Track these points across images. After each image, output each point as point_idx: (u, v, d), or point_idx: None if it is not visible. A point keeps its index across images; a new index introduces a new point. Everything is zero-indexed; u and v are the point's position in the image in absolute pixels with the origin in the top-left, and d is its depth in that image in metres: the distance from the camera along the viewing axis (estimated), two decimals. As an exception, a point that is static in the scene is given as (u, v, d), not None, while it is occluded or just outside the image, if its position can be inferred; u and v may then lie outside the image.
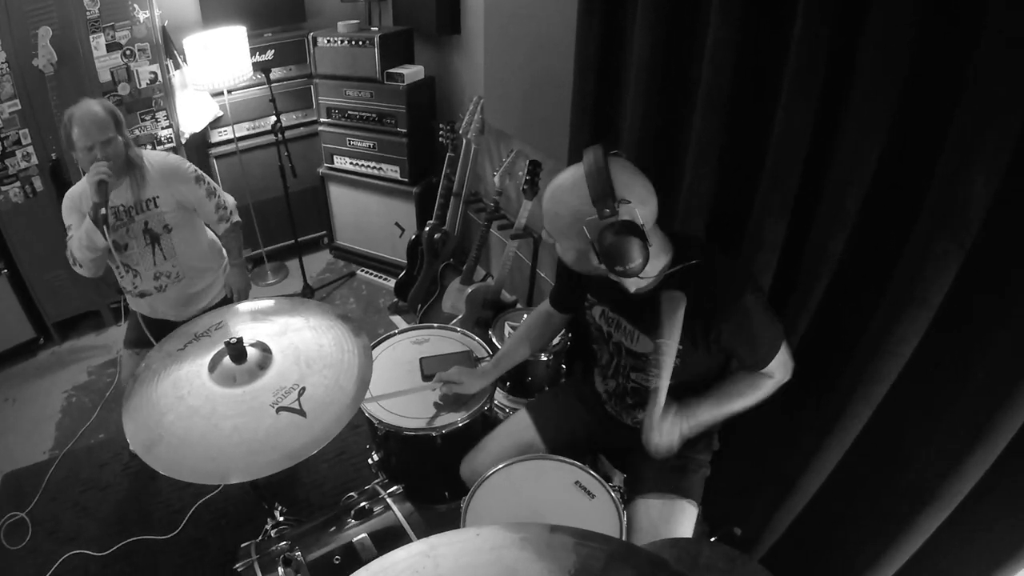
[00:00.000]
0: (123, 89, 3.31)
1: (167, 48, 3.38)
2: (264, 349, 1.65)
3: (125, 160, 2.23)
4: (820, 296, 1.64)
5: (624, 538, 1.61)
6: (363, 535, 1.68)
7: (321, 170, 4.00)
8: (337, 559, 1.60)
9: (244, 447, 1.42)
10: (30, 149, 3.22)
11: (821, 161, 1.53)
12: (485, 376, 2.02)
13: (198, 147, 3.80)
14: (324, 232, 4.34)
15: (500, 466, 1.78)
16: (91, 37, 3.13)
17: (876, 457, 1.62)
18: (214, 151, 3.84)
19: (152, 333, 2.37)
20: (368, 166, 3.83)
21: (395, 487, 1.89)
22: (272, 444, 1.43)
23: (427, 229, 3.44)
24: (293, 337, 1.71)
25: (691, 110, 1.86)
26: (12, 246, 3.35)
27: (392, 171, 3.77)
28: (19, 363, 3.55)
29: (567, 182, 1.42)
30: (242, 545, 1.74)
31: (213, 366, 1.62)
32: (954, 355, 1.39)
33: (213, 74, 3.33)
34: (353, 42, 3.51)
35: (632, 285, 1.53)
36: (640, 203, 1.38)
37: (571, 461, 1.79)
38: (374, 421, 1.97)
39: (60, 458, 2.88)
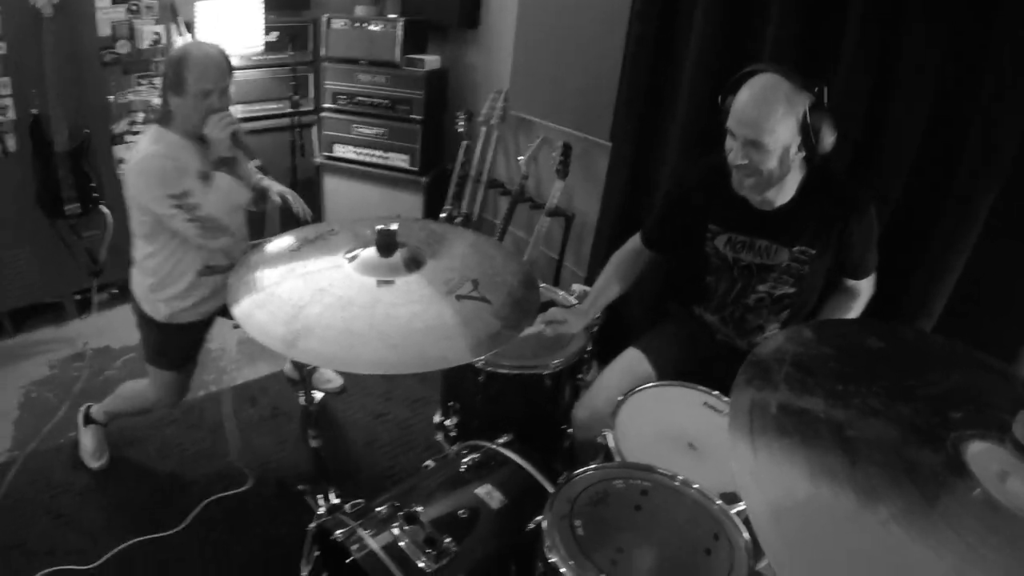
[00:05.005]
0: (122, 47, 3.04)
1: (173, 11, 3.16)
2: (412, 246, 1.50)
3: None
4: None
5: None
6: (487, 486, 1.55)
7: (318, 159, 3.81)
8: (463, 513, 1.46)
9: (436, 332, 1.26)
10: (9, 101, 2.84)
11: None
12: (586, 315, 1.94)
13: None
14: (316, 228, 4.09)
15: (628, 395, 1.72)
16: (97, -17, 2.88)
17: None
18: (205, 132, 3.55)
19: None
20: (374, 155, 3.68)
21: (504, 437, 1.76)
22: (468, 330, 1.27)
23: (443, 215, 3.35)
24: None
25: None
26: (-31, 214, 2.89)
27: (401, 160, 3.64)
28: (-42, 356, 3.04)
29: (766, 84, 1.52)
30: (310, 526, 1.60)
31: (354, 260, 1.45)
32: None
33: (226, 42, 3.13)
34: (374, 24, 3.43)
35: (779, 199, 1.67)
36: None
37: (691, 385, 1.77)
38: (475, 363, 1.82)
39: (22, 459, 2.44)
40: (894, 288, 1.91)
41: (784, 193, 1.66)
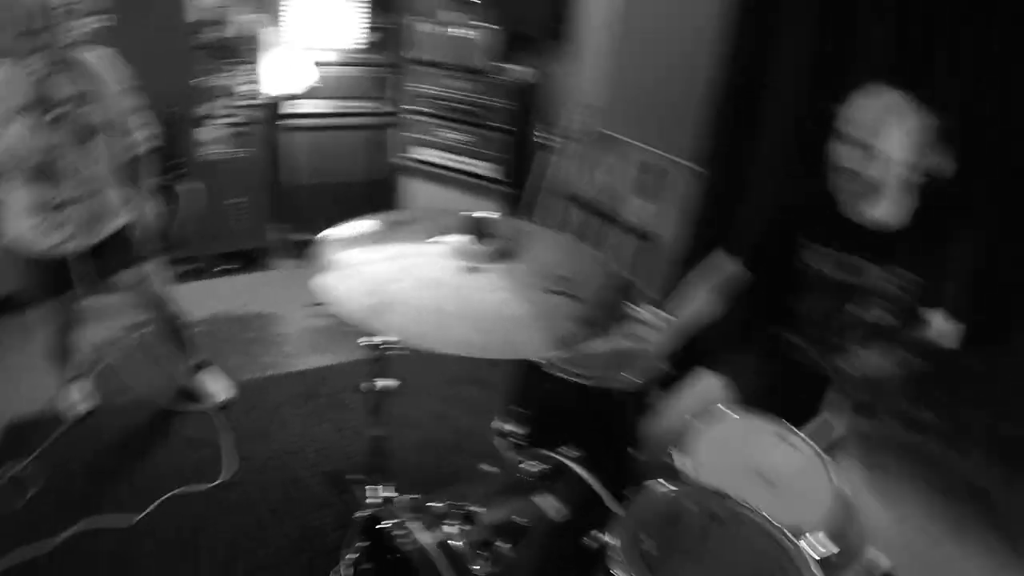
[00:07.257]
0: (212, 32, 3.14)
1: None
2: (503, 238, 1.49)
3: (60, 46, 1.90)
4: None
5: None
6: (547, 496, 1.51)
7: (395, 159, 3.84)
8: (521, 519, 1.43)
9: (523, 322, 1.25)
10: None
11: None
12: (668, 336, 1.87)
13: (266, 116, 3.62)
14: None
15: (702, 422, 1.66)
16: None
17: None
18: (281, 123, 3.65)
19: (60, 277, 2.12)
20: (459, 161, 3.67)
21: (567, 448, 1.71)
22: (552, 324, 1.26)
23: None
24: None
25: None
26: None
27: (489, 169, 3.61)
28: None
29: (882, 94, 1.53)
30: (361, 513, 1.62)
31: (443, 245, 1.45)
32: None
33: (324, 37, 3.21)
34: (461, 30, 3.47)
35: (885, 217, 1.60)
36: None
37: (768, 416, 1.68)
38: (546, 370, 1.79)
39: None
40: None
41: (891, 211, 1.60)
